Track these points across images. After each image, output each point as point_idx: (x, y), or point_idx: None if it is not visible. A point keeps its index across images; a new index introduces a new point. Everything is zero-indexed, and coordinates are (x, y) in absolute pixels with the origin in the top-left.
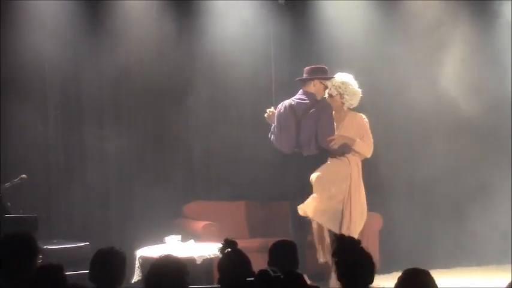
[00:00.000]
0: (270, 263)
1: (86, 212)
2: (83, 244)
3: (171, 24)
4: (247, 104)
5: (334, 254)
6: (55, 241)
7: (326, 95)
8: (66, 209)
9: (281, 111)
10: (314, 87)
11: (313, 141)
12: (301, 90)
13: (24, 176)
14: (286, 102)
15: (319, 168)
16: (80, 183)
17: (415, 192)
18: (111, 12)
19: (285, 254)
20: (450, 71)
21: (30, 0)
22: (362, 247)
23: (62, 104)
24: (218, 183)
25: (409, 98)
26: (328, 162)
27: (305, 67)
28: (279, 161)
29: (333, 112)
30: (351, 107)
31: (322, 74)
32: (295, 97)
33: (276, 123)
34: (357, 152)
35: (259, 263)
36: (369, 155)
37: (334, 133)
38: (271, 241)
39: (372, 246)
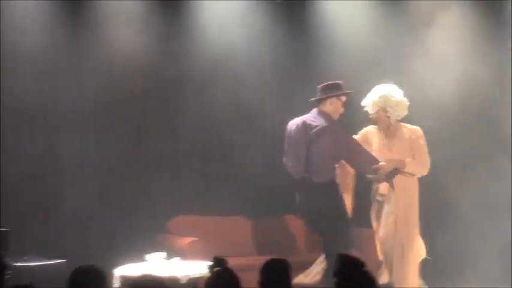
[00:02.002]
0: (261, 283)
1: (61, 227)
2: (59, 261)
3: (158, 25)
4: (237, 110)
5: (335, 275)
6: (26, 258)
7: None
8: (39, 223)
9: (292, 131)
10: (331, 105)
11: (326, 167)
12: (315, 109)
13: None
14: (298, 121)
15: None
16: (55, 195)
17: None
18: (93, 12)
19: (277, 274)
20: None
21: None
22: (366, 270)
23: (38, 112)
24: (205, 196)
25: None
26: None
27: (291, 69)
28: (270, 175)
29: (381, 130)
30: (399, 118)
31: (338, 91)
32: (308, 116)
33: (286, 144)
34: (409, 173)
35: (249, 282)
36: (424, 173)
37: (371, 156)
38: (263, 259)
39: None
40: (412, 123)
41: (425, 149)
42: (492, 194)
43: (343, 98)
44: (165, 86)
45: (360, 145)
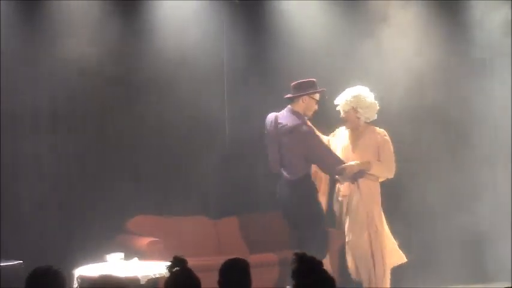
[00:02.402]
0: (220, 283)
1: (17, 227)
2: (16, 263)
3: (116, 24)
4: (196, 110)
5: (294, 275)
6: None
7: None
8: None
9: (267, 126)
10: (303, 103)
11: (296, 166)
12: (288, 107)
13: None
14: (273, 116)
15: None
16: (11, 194)
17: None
18: (50, 12)
19: (236, 274)
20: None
21: None
22: (324, 269)
23: None
24: (165, 196)
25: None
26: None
27: (249, 69)
28: (230, 174)
29: (350, 129)
30: (368, 121)
31: (310, 89)
32: (280, 113)
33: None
34: (374, 176)
35: (210, 283)
36: (389, 176)
37: (336, 157)
38: (223, 260)
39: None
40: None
41: (390, 152)
42: (457, 191)
43: (317, 96)
44: (122, 87)
45: (326, 146)
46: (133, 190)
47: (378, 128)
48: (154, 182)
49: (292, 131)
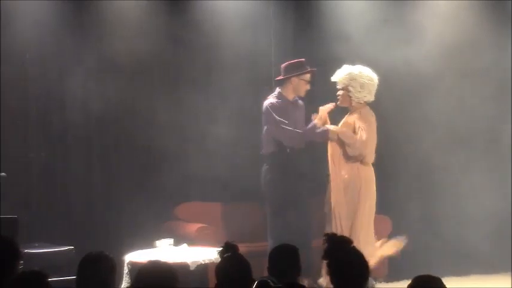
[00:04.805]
0: (270, 269)
1: (69, 214)
2: (67, 248)
3: (163, 20)
4: (243, 101)
5: (325, 254)
6: (36, 245)
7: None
8: (47, 211)
9: (282, 107)
10: (292, 84)
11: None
12: (277, 89)
13: (3, 174)
14: (273, 101)
15: None
16: (62, 182)
17: (429, 193)
18: (98, 12)
19: (285, 260)
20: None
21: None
22: (353, 246)
23: (42, 99)
24: (213, 182)
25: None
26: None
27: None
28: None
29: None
30: (362, 102)
31: (297, 70)
32: (274, 97)
33: (284, 119)
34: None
35: (259, 268)
36: (358, 152)
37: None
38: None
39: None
40: None
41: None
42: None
43: (307, 77)
44: (169, 86)
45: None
46: (181, 176)
47: (367, 109)
48: (202, 168)
49: (301, 106)
